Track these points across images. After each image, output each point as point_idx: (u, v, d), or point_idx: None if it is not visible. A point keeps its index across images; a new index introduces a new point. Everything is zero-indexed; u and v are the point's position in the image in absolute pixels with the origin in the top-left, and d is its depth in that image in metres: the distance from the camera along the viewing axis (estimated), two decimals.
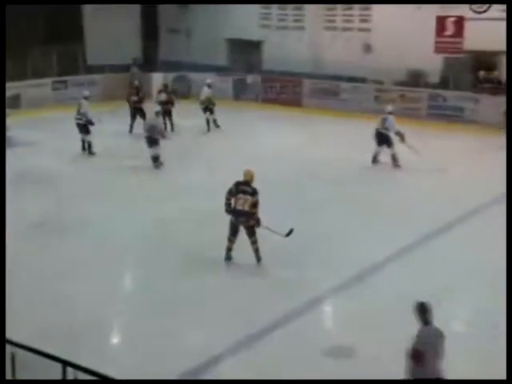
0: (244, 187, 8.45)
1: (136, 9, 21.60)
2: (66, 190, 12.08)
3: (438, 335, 5.26)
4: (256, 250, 8.62)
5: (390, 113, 13.40)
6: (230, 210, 8.56)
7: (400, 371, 5.32)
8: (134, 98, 16.49)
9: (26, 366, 5.41)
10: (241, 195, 8.42)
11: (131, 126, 16.24)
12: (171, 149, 13.90)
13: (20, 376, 5.47)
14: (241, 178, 8.59)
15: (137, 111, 16.42)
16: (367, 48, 18.58)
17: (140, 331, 7.24)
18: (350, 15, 19.01)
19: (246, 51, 21.00)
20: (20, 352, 5.30)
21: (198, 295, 8.01)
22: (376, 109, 16.72)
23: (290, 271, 8.63)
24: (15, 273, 8.51)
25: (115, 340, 7.49)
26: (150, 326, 7.29)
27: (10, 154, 14.48)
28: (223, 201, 8.64)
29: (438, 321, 5.33)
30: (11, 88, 17.67)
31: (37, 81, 18.75)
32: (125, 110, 16.64)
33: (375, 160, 13.40)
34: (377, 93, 18.26)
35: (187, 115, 16.80)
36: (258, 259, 8.69)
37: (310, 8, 19.70)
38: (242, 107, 19.48)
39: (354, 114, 17.89)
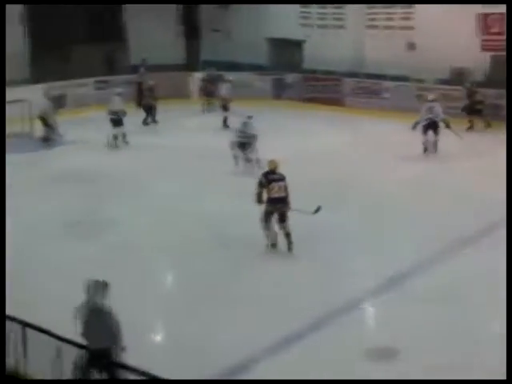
0: (274, 176, 8.97)
1: (179, 9, 21.75)
2: (107, 188, 12.26)
3: None
4: (288, 235, 8.91)
5: (434, 100, 14.01)
6: (260, 200, 8.97)
7: (439, 372, 5.24)
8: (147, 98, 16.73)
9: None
10: (274, 184, 8.88)
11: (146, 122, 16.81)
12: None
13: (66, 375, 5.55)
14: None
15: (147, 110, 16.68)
16: (410, 46, 18.30)
17: (178, 330, 7.29)
18: (392, 13, 18.76)
19: (286, 50, 20.93)
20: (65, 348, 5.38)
21: (235, 293, 8.04)
22: (418, 108, 16.44)
23: (332, 272, 8.60)
24: (49, 270, 8.71)
25: (153, 339, 7.50)
26: (187, 324, 7.33)
27: (54, 153, 14.91)
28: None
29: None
30: (57, 88, 18.02)
31: (80, 80, 19.04)
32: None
33: (427, 149, 13.78)
34: (419, 91, 17.97)
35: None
36: (290, 243, 8.93)
37: (350, 6, 19.50)
38: (282, 106, 19.43)
39: (395, 112, 17.66)
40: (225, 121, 16.75)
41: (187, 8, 21.97)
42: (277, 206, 8.88)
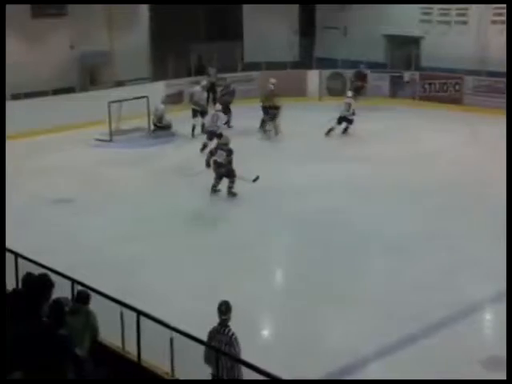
0: (222, 146, 11.61)
1: (294, 7, 21.82)
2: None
3: None
4: (230, 188, 11.47)
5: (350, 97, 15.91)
6: (208, 165, 12.26)
7: None
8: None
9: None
10: (219, 151, 11.57)
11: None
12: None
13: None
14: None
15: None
16: None
17: (290, 329, 7.28)
18: None
19: (404, 47, 20.40)
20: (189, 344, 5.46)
21: (348, 293, 7.98)
22: None
23: (441, 277, 8.31)
24: (170, 259, 8.99)
25: (261, 337, 7.52)
26: (298, 323, 7.33)
27: (168, 147, 15.39)
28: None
29: None
30: (175, 85, 18.60)
31: (197, 78, 19.50)
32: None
33: (329, 133, 15.59)
34: None
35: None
36: (233, 194, 11.46)
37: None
38: (399, 105, 18.96)
39: None
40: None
41: (303, 7, 21.95)
42: (217, 167, 11.45)
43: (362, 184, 12.00)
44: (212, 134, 13.86)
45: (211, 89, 19.20)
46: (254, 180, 11.26)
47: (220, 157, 11.52)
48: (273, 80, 16.65)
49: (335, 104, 16.69)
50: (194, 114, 16.01)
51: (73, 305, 5.84)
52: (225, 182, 11.64)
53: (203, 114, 15.82)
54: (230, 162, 11.52)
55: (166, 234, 10.03)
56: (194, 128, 15.88)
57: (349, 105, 15.78)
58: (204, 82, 16.72)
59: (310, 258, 9.06)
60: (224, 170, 11.51)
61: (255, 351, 6.06)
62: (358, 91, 18.79)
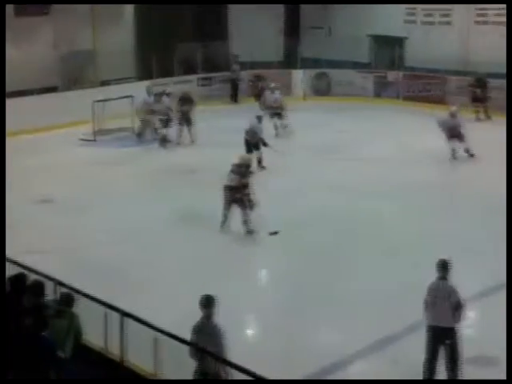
0: (233, 167, 9.88)
1: (279, 8, 21.83)
2: (205, 181, 12.43)
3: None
4: (245, 222, 9.69)
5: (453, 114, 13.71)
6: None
7: None
8: None
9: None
10: (229, 173, 9.85)
11: None
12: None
13: None
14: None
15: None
16: None
17: (277, 328, 7.30)
18: (505, 9, 17.85)
19: (388, 48, 20.51)
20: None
21: (346, 295, 7.99)
22: None
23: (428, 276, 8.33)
24: (158, 259, 8.98)
25: (251, 337, 7.55)
26: (287, 323, 7.33)
27: (156, 147, 15.32)
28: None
29: None
30: (159, 84, 18.51)
31: (183, 77, 19.47)
32: None
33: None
34: None
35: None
36: (249, 231, 9.68)
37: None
38: (383, 105, 19.05)
39: (503, 113, 16.83)
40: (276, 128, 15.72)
41: (289, 7, 21.98)
42: (229, 193, 9.75)
43: (351, 184, 11.98)
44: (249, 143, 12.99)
45: (234, 86, 19.13)
46: (271, 234, 9.74)
47: (232, 181, 9.81)
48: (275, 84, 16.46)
49: (320, 104, 16.79)
50: (163, 123, 15.03)
51: (57, 307, 5.82)
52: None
53: (168, 123, 15.04)
54: (244, 186, 9.81)
55: (152, 233, 9.98)
56: (164, 139, 15.01)
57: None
58: (168, 89, 15.80)
59: (306, 258, 9.03)
60: (237, 196, 9.75)
61: (244, 351, 6.09)
62: (478, 101, 17.06)
